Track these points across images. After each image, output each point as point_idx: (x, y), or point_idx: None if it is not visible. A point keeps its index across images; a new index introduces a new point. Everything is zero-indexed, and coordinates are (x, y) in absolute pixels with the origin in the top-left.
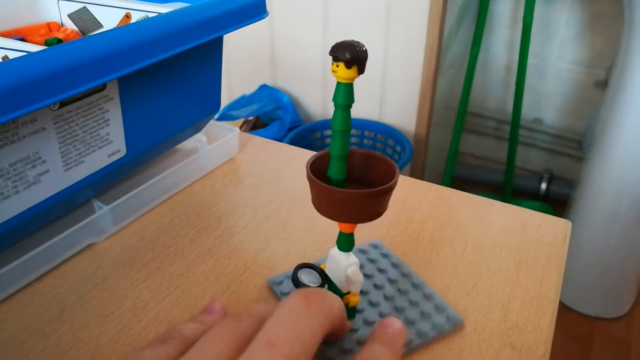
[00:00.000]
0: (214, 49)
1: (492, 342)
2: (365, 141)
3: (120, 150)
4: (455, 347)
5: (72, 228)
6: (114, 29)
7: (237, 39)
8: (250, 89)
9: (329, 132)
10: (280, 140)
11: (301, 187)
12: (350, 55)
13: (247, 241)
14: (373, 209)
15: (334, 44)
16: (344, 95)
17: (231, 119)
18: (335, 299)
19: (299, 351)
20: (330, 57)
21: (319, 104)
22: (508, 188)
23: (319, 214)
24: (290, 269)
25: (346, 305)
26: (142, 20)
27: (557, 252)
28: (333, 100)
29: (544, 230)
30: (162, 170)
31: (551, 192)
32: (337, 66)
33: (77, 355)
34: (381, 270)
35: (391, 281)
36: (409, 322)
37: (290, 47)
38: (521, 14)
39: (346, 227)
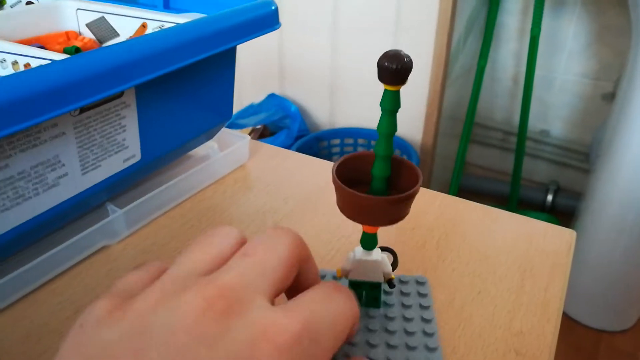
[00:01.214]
0: (227, 58)
1: (497, 347)
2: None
3: (136, 155)
4: (460, 351)
5: (87, 230)
6: (132, 39)
7: (246, 49)
8: (258, 97)
9: (335, 141)
10: (287, 148)
11: (311, 194)
12: (400, 65)
13: None
14: (395, 213)
15: (383, 55)
16: (391, 101)
17: (239, 127)
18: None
19: (273, 258)
20: (341, 69)
21: (326, 113)
22: (514, 199)
23: (328, 221)
24: None
25: (383, 285)
26: (158, 30)
27: (562, 261)
28: (381, 105)
29: (549, 239)
30: (175, 176)
31: (557, 204)
32: None
33: None
34: (405, 306)
35: (405, 319)
36: (389, 346)
37: (298, 56)
38: (529, 26)
39: (369, 228)
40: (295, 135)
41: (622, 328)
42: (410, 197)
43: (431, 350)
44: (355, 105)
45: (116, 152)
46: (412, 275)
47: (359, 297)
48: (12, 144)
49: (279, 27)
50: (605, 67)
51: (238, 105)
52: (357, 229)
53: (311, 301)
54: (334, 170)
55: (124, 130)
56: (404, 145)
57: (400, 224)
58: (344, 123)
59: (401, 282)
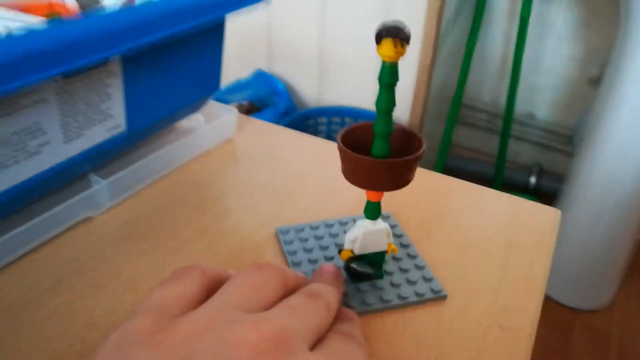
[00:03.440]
0: (216, 29)
1: (481, 321)
2: None
3: (120, 125)
4: (445, 325)
5: (69, 201)
6: (119, 7)
7: (234, 24)
8: (245, 73)
9: (323, 119)
10: None
11: (299, 169)
12: (405, 33)
13: (243, 221)
14: (400, 178)
15: (379, 24)
16: (390, 74)
17: (225, 102)
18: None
19: (315, 316)
20: (329, 47)
21: (313, 91)
22: (498, 181)
23: (316, 198)
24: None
25: (385, 257)
26: (144, 2)
27: (547, 239)
28: (379, 79)
29: (534, 217)
30: (160, 148)
31: (540, 186)
32: (395, 47)
33: (72, 326)
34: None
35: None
36: (393, 285)
37: (287, 34)
38: (519, 7)
39: (374, 196)
40: (281, 112)
41: (598, 307)
42: (414, 161)
43: (419, 268)
44: (343, 84)
45: (100, 121)
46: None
47: (372, 273)
48: None
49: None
50: (592, 52)
51: (225, 80)
52: (346, 204)
53: (343, 349)
54: (340, 137)
55: (109, 99)
56: None
57: (386, 200)
58: (332, 101)
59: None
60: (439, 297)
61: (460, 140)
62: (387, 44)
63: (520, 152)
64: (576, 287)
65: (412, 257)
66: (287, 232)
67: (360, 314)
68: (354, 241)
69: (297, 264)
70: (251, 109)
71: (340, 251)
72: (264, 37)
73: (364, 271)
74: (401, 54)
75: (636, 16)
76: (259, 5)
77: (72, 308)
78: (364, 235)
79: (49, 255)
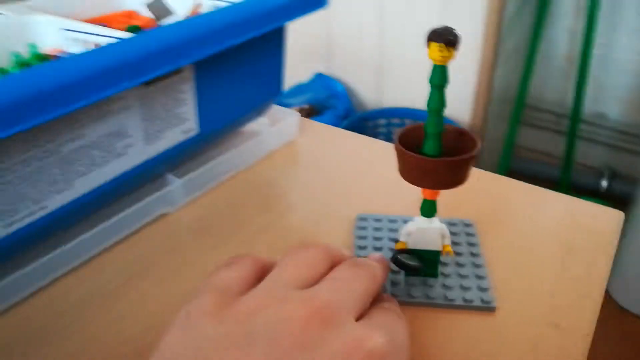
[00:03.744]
0: (278, 36)
1: (537, 320)
2: None
3: (193, 128)
4: (499, 321)
5: (148, 198)
6: (192, 17)
7: (293, 28)
8: (305, 77)
9: (382, 121)
10: None
11: (355, 171)
12: (450, 38)
13: (304, 218)
14: (455, 177)
15: (430, 30)
16: (440, 76)
17: (286, 106)
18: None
19: (360, 286)
20: (388, 48)
21: (373, 93)
22: (565, 184)
23: (375, 195)
24: (343, 246)
25: (439, 256)
26: (214, 10)
27: (608, 240)
28: (430, 81)
29: (596, 219)
30: (229, 150)
31: (612, 190)
32: (440, 50)
33: (151, 311)
34: (455, 244)
35: (457, 254)
36: (445, 287)
37: (345, 36)
38: (585, 2)
39: (429, 194)
40: (341, 115)
41: None
42: (469, 160)
43: (479, 277)
44: (402, 85)
45: (176, 125)
46: (457, 218)
47: (420, 265)
48: (86, 115)
49: (327, 5)
50: None
51: (285, 84)
52: (405, 202)
53: (387, 320)
54: (397, 137)
55: (184, 104)
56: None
57: (446, 200)
58: (391, 103)
59: (450, 224)
60: (486, 307)
61: (526, 142)
62: (433, 48)
63: (590, 154)
64: None
65: (476, 266)
66: (365, 219)
67: (402, 304)
68: (408, 235)
69: (362, 248)
70: (311, 112)
71: (396, 242)
72: (323, 40)
73: (408, 263)
74: (448, 57)
75: None
76: (319, 11)
77: (151, 294)
78: (417, 231)
79: (130, 249)
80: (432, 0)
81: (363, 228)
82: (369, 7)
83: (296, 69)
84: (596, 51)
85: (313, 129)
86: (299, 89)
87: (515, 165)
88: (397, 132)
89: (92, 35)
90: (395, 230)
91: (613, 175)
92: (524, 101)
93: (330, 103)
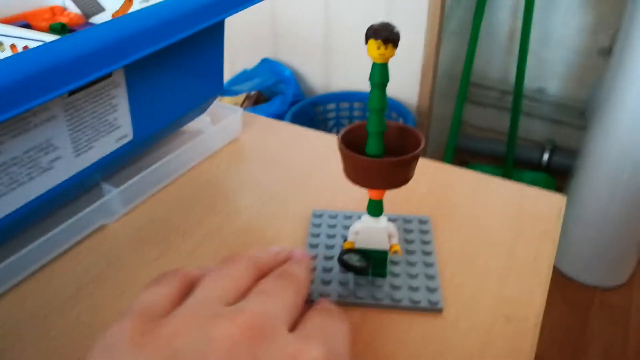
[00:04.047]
0: (216, 31)
1: (488, 313)
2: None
3: (128, 134)
4: (452, 317)
5: (84, 211)
6: (120, 17)
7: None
8: (251, 63)
9: (331, 105)
10: (282, 114)
11: (305, 164)
12: (389, 35)
13: (253, 219)
14: (399, 176)
15: (369, 26)
16: (380, 74)
17: (233, 94)
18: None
19: (288, 295)
20: (334, 31)
21: (320, 77)
22: (510, 159)
23: (323, 191)
24: (295, 245)
25: (387, 256)
26: (145, 7)
27: (551, 226)
28: (370, 80)
29: (539, 205)
30: (169, 152)
31: (554, 163)
32: (378, 48)
33: (96, 331)
34: (408, 241)
35: (408, 252)
36: (393, 287)
37: (291, 20)
38: None
39: (375, 194)
40: (290, 101)
41: (616, 284)
42: (413, 160)
43: (428, 277)
44: (350, 69)
45: (108, 132)
46: (414, 215)
47: (367, 266)
48: (3, 130)
49: None
50: (601, 22)
51: (231, 71)
52: (352, 199)
53: (323, 327)
54: (340, 137)
55: (115, 110)
56: (399, 106)
57: (391, 194)
58: (339, 87)
59: (406, 220)
60: (434, 308)
61: (471, 119)
62: (372, 45)
63: (532, 128)
64: (594, 265)
65: (427, 265)
66: (320, 215)
67: (349, 305)
68: (356, 234)
69: (314, 246)
70: (259, 99)
71: (344, 241)
72: (269, 25)
73: (353, 264)
74: (386, 55)
75: None
76: (255, 6)
77: (94, 313)
78: (363, 231)
79: (68, 265)
80: None
81: (317, 225)
82: None
83: (242, 55)
84: (535, 28)
85: (257, 123)
86: (246, 76)
87: (462, 143)
88: (340, 132)
89: (8, 38)
90: (349, 227)
91: (554, 149)
92: (469, 79)
93: (278, 89)
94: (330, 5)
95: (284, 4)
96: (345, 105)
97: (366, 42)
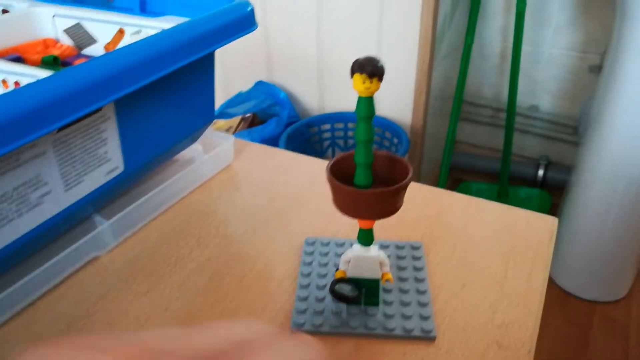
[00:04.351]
0: (206, 62)
1: (480, 340)
2: None
3: (119, 167)
4: (445, 346)
5: (75, 244)
6: (108, 53)
7: None
8: (246, 85)
9: (326, 126)
10: (277, 136)
11: (297, 191)
12: (373, 69)
13: (245, 248)
14: (388, 206)
15: (354, 61)
16: (366, 108)
17: (228, 116)
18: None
19: None
20: (327, 53)
21: (315, 99)
22: (505, 176)
23: (317, 218)
24: (288, 274)
25: (379, 284)
26: (135, 42)
27: (544, 250)
28: (356, 113)
29: (532, 228)
30: (161, 182)
31: (548, 178)
32: (364, 82)
33: None
34: (401, 268)
35: (401, 279)
36: (386, 315)
37: (285, 43)
38: (514, 1)
39: (364, 224)
40: (285, 122)
41: (615, 298)
42: (400, 190)
43: (421, 305)
44: (344, 89)
45: (99, 166)
46: (407, 240)
47: (358, 295)
48: None
49: (256, 27)
50: (591, 40)
51: (226, 94)
52: (345, 225)
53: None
54: (328, 167)
55: (105, 144)
56: (394, 127)
57: (383, 220)
58: (334, 108)
59: (398, 247)
60: (427, 337)
61: (466, 137)
62: (357, 79)
63: (526, 145)
64: (592, 279)
65: (419, 292)
66: (312, 243)
67: (342, 335)
68: (347, 263)
69: (306, 275)
70: (254, 121)
71: (337, 270)
72: (263, 48)
73: (345, 294)
74: (371, 89)
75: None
76: (248, 34)
77: None
78: (354, 260)
79: (62, 296)
80: (368, 3)
81: (309, 253)
82: (307, 13)
83: (237, 78)
84: (526, 47)
85: (249, 150)
86: (241, 98)
87: (457, 160)
88: (329, 162)
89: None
90: (341, 255)
91: (549, 165)
92: (462, 98)
93: (273, 111)
94: (324, 27)
95: (278, 27)
96: (340, 125)
97: (351, 76)
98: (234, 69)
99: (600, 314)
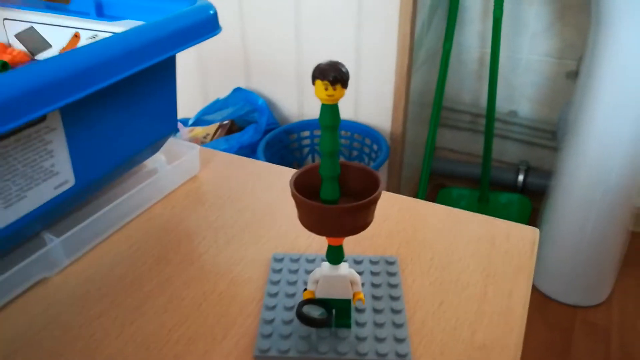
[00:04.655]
0: (167, 67)
1: None
2: (343, 141)
3: (68, 180)
4: None
5: (22, 263)
6: (55, 56)
7: (210, 43)
8: (224, 92)
9: (305, 133)
10: (256, 143)
11: (267, 205)
12: (336, 75)
13: (207, 267)
14: (356, 222)
15: (315, 66)
16: (330, 116)
17: (206, 123)
18: None
19: None
20: (306, 59)
21: (294, 105)
22: (486, 181)
23: (285, 233)
24: (253, 295)
25: (351, 305)
26: (84, 46)
27: (525, 262)
28: (320, 122)
29: (512, 240)
30: (119, 195)
31: (528, 184)
32: (326, 89)
33: None
34: (375, 285)
35: (375, 298)
36: (358, 338)
37: (263, 48)
38: (492, 7)
39: (333, 240)
40: (263, 129)
41: (596, 302)
42: (370, 205)
43: (396, 326)
44: None
45: (44, 180)
46: (381, 255)
47: (328, 318)
48: None
49: (220, 31)
50: (567, 46)
51: (204, 100)
52: (315, 241)
53: None
54: (292, 181)
55: (52, 156)
56: (374, 134)
57: (367, 234)
58: (313, 114)
59: (372, 262)
60: None
61: (445, 143)
62: (319, 86)
63: (506, 150)
64: (573, 284)
65: (395, 311)
66: (280, 259)
67: None
68: (316, 282)
69: (273, 295)
70: (232, 128)
71: (304, 290)
72: (241, 54)
73: (312, 317)
74: (335, 96)
75: (606, 6)
76: (210, 38)
77: None
78: (322, 280)
79: (3, 322)
80: (347, 10)
81: (277, 271)
82: (285, 19)
83: (214, 84)
84: (504, 53)
85: (217, 160)
86: (218, 105)
87: (437, 166)
88: (292, 176)
89: None
90: (311, 272)
91: (528, 170)
92: (441, 103)
93: (251, 117)
94: (302, 33)
95: (256, 33)
96: (319, 132)
97: (313, 82)
98: (212, 76)
99: (581, 319)
